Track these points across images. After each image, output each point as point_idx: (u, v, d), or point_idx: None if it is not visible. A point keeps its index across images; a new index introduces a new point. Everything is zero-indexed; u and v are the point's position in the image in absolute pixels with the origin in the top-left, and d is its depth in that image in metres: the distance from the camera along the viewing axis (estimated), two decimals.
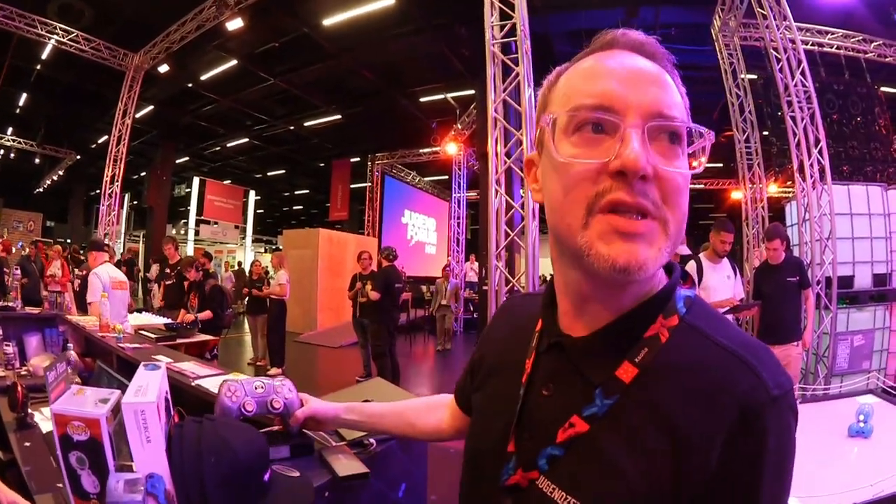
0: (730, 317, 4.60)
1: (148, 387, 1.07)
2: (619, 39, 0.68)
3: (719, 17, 9.75)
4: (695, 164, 0.66)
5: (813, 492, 1.68)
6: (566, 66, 0.73)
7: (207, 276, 6.96)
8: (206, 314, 6.42)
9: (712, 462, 0.57)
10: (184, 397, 1.77)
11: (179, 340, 4.15)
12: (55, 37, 11.10)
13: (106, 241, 11.90)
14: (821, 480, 1.86)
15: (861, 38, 10.93)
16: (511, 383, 0.78)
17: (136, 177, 20.93)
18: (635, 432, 0.61)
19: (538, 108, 0.75)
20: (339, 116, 16.63)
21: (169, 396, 1.17)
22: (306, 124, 17.53)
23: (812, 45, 10.39)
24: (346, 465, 1.30)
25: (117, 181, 12.58)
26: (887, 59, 11.20)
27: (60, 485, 1.26)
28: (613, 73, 0.64)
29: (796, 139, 7.12)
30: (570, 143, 0.64)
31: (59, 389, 1.50)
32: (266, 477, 1.07)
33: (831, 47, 10.75)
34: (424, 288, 14.81)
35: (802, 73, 7.25)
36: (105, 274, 5.15)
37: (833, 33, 10.71)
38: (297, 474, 1.17)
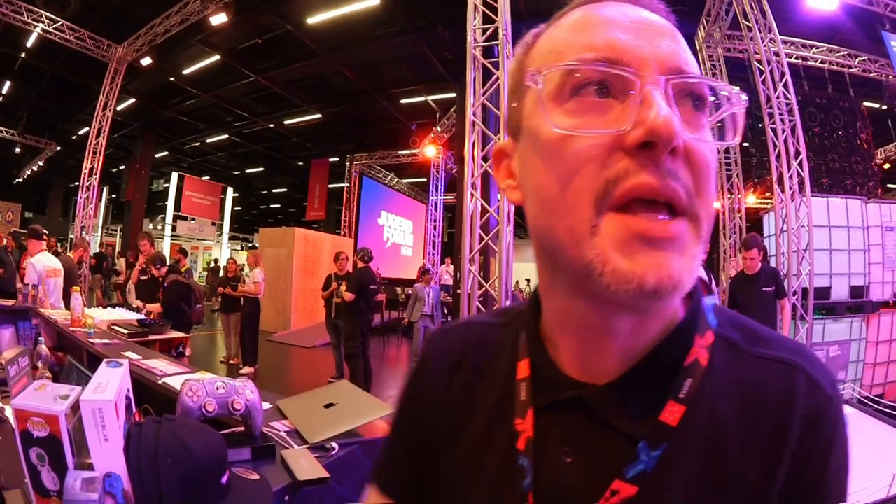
0: None
1: (108, 384, 1.06)
2: None
3: (704, 27, 9.84)
4: (727, 137, 0.51)
5: None
6: (545, 26, 0.56)
7: (171, 271, 6.89)
8: (155, 306, 6.35)
9: (783, 474, 0.49)
10: (151, 395, 1.76)
11: (152, 337, 4.11)
12: (41, 25, 10.96)
13: (84, 236, 11.79)
14: None
15: (846, 52, 11.10)
16: (500, 455, 0.58)
17: (115, 170, 20.73)
18: (695, 478, 0.49)
19: (512, 81, 0.57)
20: (319, 116, 16.59)
21: (131, 394, 1.16)
22: (286, 122, 17.47)
23: (796, 58, 10.54)
24: (307, 470, 1.28)
25: (96, 174, 12.41)
26: (871, 75, 11.37)
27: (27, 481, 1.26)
28: (615, 21, 0.48)
29: (776, 151, 7.21)
30: (565, 112, 0.47)
31: (21, 384, 1.49)
32: (224, 479, 1.06)
33: (816, 61, 10.90)
34: (399, 290, 14.79)
35: (785, 86, 7.34)
36: (40, 263, 5.42)
37: (818, 47, 10.86)
38: (257, 477, 1.16)
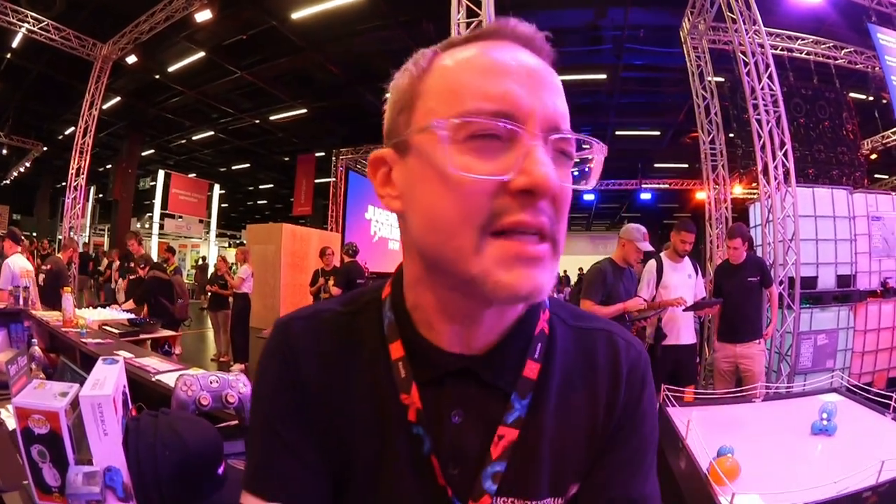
0: (691, 314, 4.68)
1: (105, 380, 1.09)
2: (506, 29, 0.61)
3: (688, 19, 9.85)
4: (576, 173, 0.62)
5: (776, 488, 1.68)
6: (438, 51, 0.63)
7: (154, 267, 6.89)
8: (129, 304, 6.38)
9: (618, 409, 0.69)
10: (145, 392, 1.79)
11: (143, 336, 4.13)
12: (26, 25, 10.87)
13: (72, 236, 11.73)
14: (784, 477, 1.89)
15: (832, 44, 11.15)
16: (391, 431, 0.65)
17: (101, 169, 20.61)
18: (556, 417, 0.67)
19: (400, 100, 0.63)
20: (304, 111, 16.58)
21: (127, 391, 1.19)
22: (272, 118, 17.42)
23: (781, 49, 10.57)
24: None
25: (83, 174, 12.32)
26: (857, 66, 11.42)
27: (27, 482, 1.27)
28: (510, 71, 0.56)
29: (761, 142, 7.25)
30: (460, 152, 0.55)
31: (20, 383, 1.51)
32: (220, 470, 1.09)
33: (801, 53, 10.94)
34: None
35: (770, 77, 7.37)
36: (16, 264, 5.60)
37: (803, 39, 10.90)
38: None
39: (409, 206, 0.61)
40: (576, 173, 0.62)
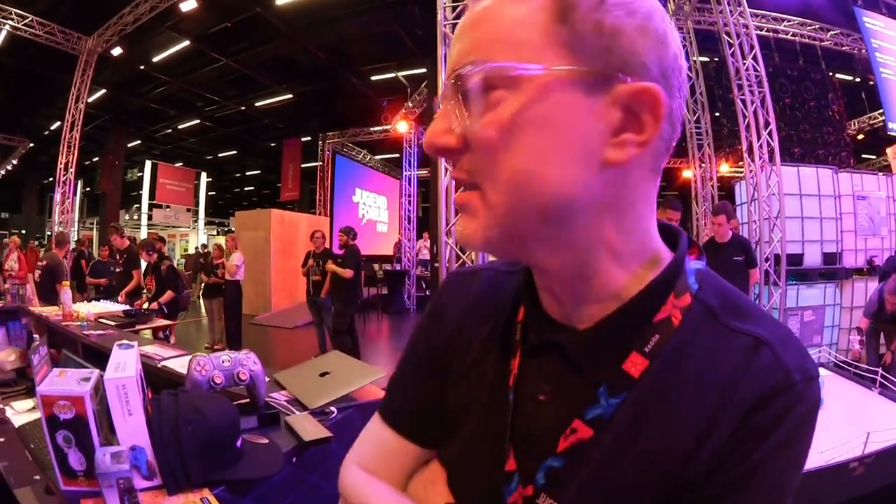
0: None
1: (126, 363, 1.16)
2: None
3: (674, 0, 9.94)
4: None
5: None
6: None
7: (162, 257, 6.91)
8: (168, 295, 6.40)
9: (721, 445, 0.50)
10: (151, 379, 1.84)
11: (139, 326, 4.18)
12: (10, 22, 10.78)
13: (62, 231, 11.70)
14: None
15: (818, 26, 11.25)
16: (492, 389, 0.64)
17: (88, 163, 20.46)
18: (647, 432, 0.53)
19: None
20: (290, 96, 16.62)
21: (142, 373, 1.26)
22: (257, 104, 17.43)
23: (767, 31, 10.65)
24: (311, 431, 1.39)
25: (71, 168, 12.29)
26: (844, 48, 11.52)
27: (38, 476, 1.32)
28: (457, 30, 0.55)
29: (746, 121, 7.32)
30: None
31: (42, 373, 1.58)
32: (238, 444, 1.16)
33: (787, 34, 11.02)
34: (377, 266, 14.79)
35: (755, 58, 7.43)
36: None
37: (789, 21, 10.98)
38: (267, 441, 1.27)
39: None
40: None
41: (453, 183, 5.85)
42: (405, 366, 0.76)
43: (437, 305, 0.75)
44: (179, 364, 1.99)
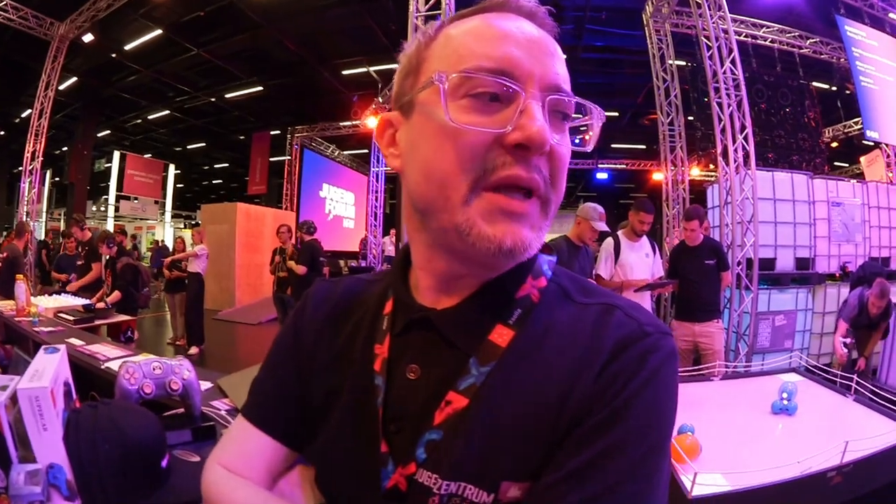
0: (647, 293, 4.73)
1: (44, 371, 1.06)
2: (510, 3, 0.62)
3: (652, 3, 9.93)
4: (577, 140, 0.63)
5: (738, 467, 1.70)
6: (445, 23, 0.65)
7: (122, 253, 6.68)
8: (116, 296, 6.14)
9: (587, 392, 0.55)
10: (97, 382, 1.75)
11: (97, 322, 4.06)
12: None
13: (27, 220, 11.42)
14: (745, 457, 1.92)
15: (797, 33, 11.34)
16: (358, 375, 0.67)
17: (57, 152, 20.06)
18: (518, 396, 0.57)
19: (407, 65, 0.67)
20: (260, 88, 16.51)
21: (70, 381, 1.15)
22: (227, 96, 17.28)
23: (746, 36, 10.71)
24: None
25: (38, 157, 11.97)
26: (822, 56, 11.63)
27: None
28: (511, 37, 0.58)
29: (721, 125, 7.33)
30: (459, 108, 0.57)
31: None
32: (164, 463, 1.07)
33: (766, 40, 11.09)
34: (343, 263, 14.72)
35: (732, 62, 7.43)
36: None
37: (769, 27, 11.05)
38: (198, 459, 1.17)
39: (409, 162, 0.64)
40: (577, 141, 0.64)
41: None
42: (268, 366, 0.78)
43: (299, 310, 0.79)
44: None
